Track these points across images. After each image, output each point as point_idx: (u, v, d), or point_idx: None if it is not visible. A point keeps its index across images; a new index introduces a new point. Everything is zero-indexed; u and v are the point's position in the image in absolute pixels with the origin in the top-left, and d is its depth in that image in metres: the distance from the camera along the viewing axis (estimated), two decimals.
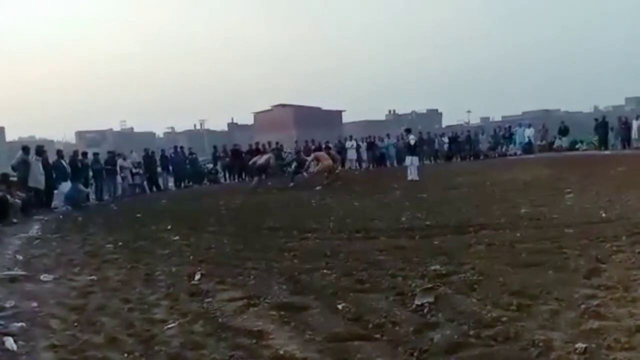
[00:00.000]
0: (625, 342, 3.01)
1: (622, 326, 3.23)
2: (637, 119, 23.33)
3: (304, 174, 17.41)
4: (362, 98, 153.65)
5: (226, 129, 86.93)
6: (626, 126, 23.51)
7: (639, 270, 4.41)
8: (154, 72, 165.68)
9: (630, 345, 2.97)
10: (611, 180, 11.39)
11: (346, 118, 68.79)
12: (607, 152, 22.69)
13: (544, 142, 26.77)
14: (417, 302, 3.99)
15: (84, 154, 18.05)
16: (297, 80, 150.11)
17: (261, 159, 17.92)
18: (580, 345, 2.98)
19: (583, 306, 3.64)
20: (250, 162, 18.77)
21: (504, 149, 26.57)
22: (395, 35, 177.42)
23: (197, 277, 5.38)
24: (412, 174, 15.66)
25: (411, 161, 16.32)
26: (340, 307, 4.05)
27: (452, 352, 3.07)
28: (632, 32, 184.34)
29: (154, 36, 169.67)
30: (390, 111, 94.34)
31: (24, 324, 4.05)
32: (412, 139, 16.94)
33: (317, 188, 15.14)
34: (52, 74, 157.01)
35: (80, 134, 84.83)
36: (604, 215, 7.19)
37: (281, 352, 3.27)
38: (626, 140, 23.34)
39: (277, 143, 22.62)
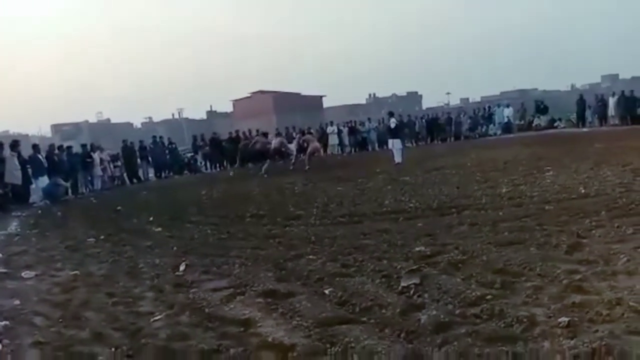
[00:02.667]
0: (606, 314, 3.07)
1: (603, 299, 3.29)
2: (613, 96, 23.70)
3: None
4: (342, 83, 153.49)
5: (205, 117, 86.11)
6: (603, 103, 23.85)
7: (619, 244, 4.50)
8: (129, 62, 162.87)
9: (611, 318, 3.03)
10: (589, 156, 11.56)
11: (327, 103, 68.46)
12: (584, 129, 23.02)
13: (522, 122, 27.04)
14: (403, 283, 4.02)
15: (60, 147, 17.72)
16: (275, 67, 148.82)
17: (275, 142, 18.10)
18: (563, 319, 3.04)
19: (565, 281, 3.71)
20: (251, 146, 19.02)
21: (483, 130, 26.77)
22: (373, 19, 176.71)
23: (182, 268, 5.35)
24: (396, 157, 15.67)
25: (392, 144, 16.33)
26: (326, 292, 4.06)
27: (439, 331, 3.10)
28: (607, 10, 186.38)
29: (127, 25, 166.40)
30: (370, 95, 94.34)
31: (7, 322, 3.98)
32: (392, 122, 16.93)
33: (307, 168, 16.52)
34: (26, 67, 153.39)
35: (55, 127, 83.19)
36: (583, 191, 7.31)
37: (269, 339, 3.27)
38: (603, 118, 23.70)
39: (257, 130, 22.40)
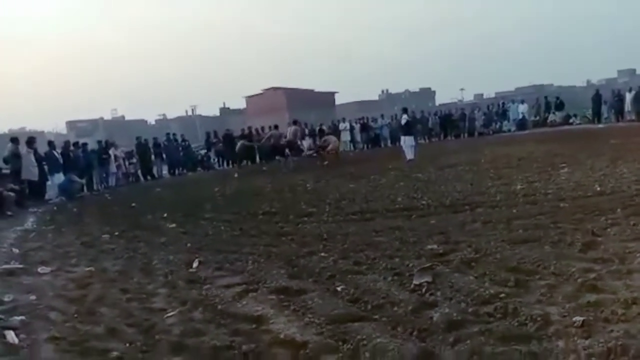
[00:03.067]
0: (622, 314, 3.03)
1: (619, 298, 3.25)
2: (630, 91, 23.30)
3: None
4: (355, 79, 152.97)
5: (218, 114, 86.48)
6: (619, 99, 23.50)
7: (634, 243, 4.44)
8: (143, 59, 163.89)
9: (626, 317, 2.99)
10: (605, 153, 11.40)
11: (339, 99, 68.40)
12: (600, 125, 22.72)
13: (537, 118, 26.75)
14: (415, 281, 4.01)
15: (75, 144, 17.91)
16: (288, 63, 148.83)
17: (289, 133, 18.22)
18: (577, 318, 3.01)
19: (580, 280, 3.66)
20: (264, 139, 19.23)
21: (498, 126, 26.54)
22: (385, 15, 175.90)
23: (195, 264, 5.39)
24: (409, 154, 15.59)
25: (404, 141, 16.27)
26: (338, 289, 4.06)
27: (451, 329, 3.09)
28: (623, 4, 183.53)
29: (142, 23, 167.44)
30: (383, 91, 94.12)
31: (23, 317, 4.04)
32: (403, 119, 16.83)
33: (325, 163, 17.21)
34: (42, 65, 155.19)
35: (71, 124, 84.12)
36: (598, 188, 7.22)
37: (281, 336, 3.28)
38: (619, 113, 23.36)
39: (275, 126, 22.27)
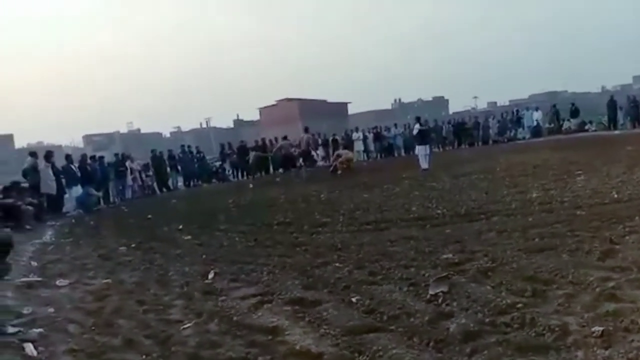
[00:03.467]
0: None
1: (638, 307, 3.20)
2: None
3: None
4: (368, 88, 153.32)
5: (232, 125, 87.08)
6: (635, 105, 23.23)
7: None
8: (158, 72, 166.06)
9: None
10: (622, 160, 11.26)
11: (352, 109, 68.57)
12: (616, 132, 22.46)
13: (552, 125, 26.52)
14: (431, 291, 3.99)
15: (92, 157, 18.15)
16: (301, 74, 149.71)
17: (303, 142, 18.27)
18: (596, 328, 2.97)
19: (598, 289, 3.62)
20: (275, 150, 19.31)
21: (512, 134, 26.37)
22: (398, 24, 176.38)
23: (211, 275, 5.42)
24: (423, 163, 15.53)
25: (418, 150, 16.22)
26: (354, 300, 4.05)
27: (468, 340, 3.06)
28: (638, 9, 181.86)
29: (156, 36, 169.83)
30: (396, 100, 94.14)
31: (42, 329, 4.09)
32: (416, 128, 16.78)
33: (339, 173, 17.45)
34: (58, 78, 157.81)
35: (87, 138, 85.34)
36: (615, 196, 7.13)
37: (297, 347, 3.28)
38: (636, 119, 23.07)
39: (285, 137, 22.39)
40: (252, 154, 22.30)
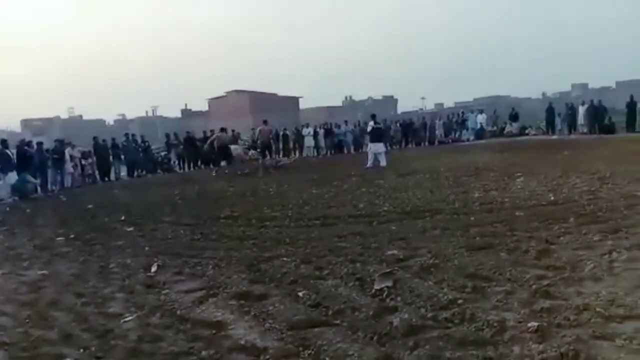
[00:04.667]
0: (574, 319, 3.15)
1: (571, 305, 3.38)
2: (582, 104, 24.29)
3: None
4: (319, 84, 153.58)
5: (179, 115, 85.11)
6: (572, 112, 24.43)
7: (586, 251, 4.62)
8: (102, 56, 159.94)
9: (578, 323, 3.12)
10: (558, 164, 11.82)
11: (303, 104, 68.60)
12: (554, 136, 23.53)
13: (495, 128, 27.49)
14: (376, 286, 4.05)
15: (28, 143, 17.28)
16: (252, 66, 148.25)
17: (262, 135, 17.87)
18: (532, 324, 3.11)
19: (534, 286, 3.79)
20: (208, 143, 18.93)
21: (457, 135, 27.12)
22: (349, 22, 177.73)
23: (154, 268, 5.29)
24: (370, 162, 15.73)
25: (370, 148, 16.41)
26: (300, 294, 4.06)
27: (411, 334, 3.14)
28: (578, 20, 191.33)
29: (101, 21, 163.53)
30: (346, 97, 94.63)
31: None
32: (370, 126, 16.95)
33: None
34: None
35: (25, 122, 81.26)
36: (552, 198, 7.47)
37: (241, 342, 3.26)
38: (572, 126, 24.28)
39: (232, 130, 22.19)
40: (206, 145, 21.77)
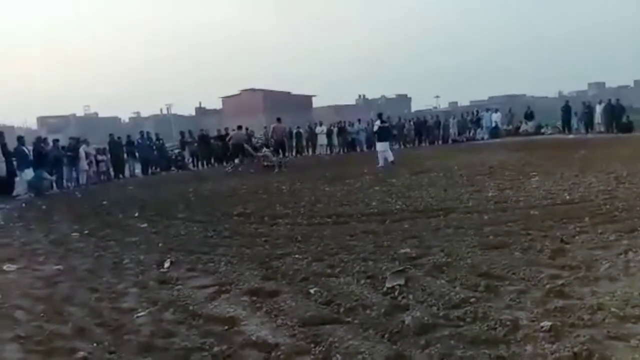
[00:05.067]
0: (588, 319, 3.12)
1: (585, 304, 3.34)
2: (600, 103, 23.99)
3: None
4: (332, 83, 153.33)
5: (194, 113, 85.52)
6: (589, 111, 24.13)
7: (601, 250, 4.57)
8: (118, 55, 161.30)
9: (592, 323, 3.08)
10: (574, 163, 11.69)
11: (316, 103, 68.55)
12: (570, 136, 23.27)
13: (510, 127, 27.26)
14: (388, 285, 4.04)
15: (44, 140, 17.50)
16: (266, 65, 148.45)
17: (275, 133, 17.83)
18: (545, 323, 3.07)
19: (548, 286, 3.75)
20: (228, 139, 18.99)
21: (471, 134, 26.94)
22: (363, 22, 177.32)
23: (167, 264, 5.33)
24: (381, 161, 15.70)
25: (378, 146, 16.42)
26: (311, 291, 4.06)
27: (423, 333, 3.12)
28: (595, 19, 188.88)
29: (118, 20, 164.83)
30: (360, 96, 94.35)
31: None
32: (376, 125, 16.93)
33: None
34: (12, 58, 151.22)
35: (42, 120, 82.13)
36: (567, 197, 7.39)
37: (253, 338, 3.27)
38: (589, 125, 23.98)
39: (247, 128, 22.24)
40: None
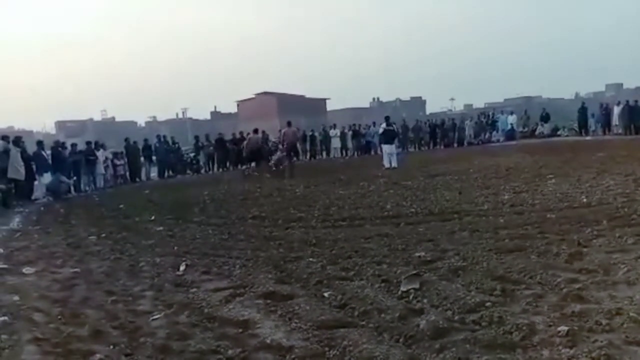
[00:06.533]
0: (606, 324, 3.07)
1: (603, 309, 3.28)
2: (618, 104, 23.65)
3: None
4: (347, 86, 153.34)
5: (209, 117, 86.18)
6: (607, 112, 23.82)
7: (619, 254, 4.49)
8: (135, 60, 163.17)
9: (610, 328, 3.03)
10: (592, 165, 11.53)
11: (330, 106, 68.64)
12: (587, 137, 22.98)
13: (526, 129, 27.03)
14: (403, 288, 4.02)
15: (62, 145, 17.75)
16: (281, 69, 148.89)
17: (286, 137, 17.80)
18: (562, 328, 3.03)
19: (565, 290, 3.70)
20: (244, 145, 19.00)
21: (487, 136, 26.75)
22: (378, 23, 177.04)
23: (182, 267, 5.36)
24: (386, 163, 15.83)
25: (384, 149, 16.54)
26: (326, 295, 4.06)
27: (438, 337, 3.10)
28: (612, 19, 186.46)
29: (134, 24, 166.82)
30: (374, 99, 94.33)
31: (6, 317, 3.97)
32: (381, 127, 17.03)
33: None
34: (31, 64, 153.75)
35: (60, 124, 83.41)
36: (585, 200, 7.29)
37: (267, 341, 3.28)
38: (606, 126, 23.67)
39: (263, 132, 22.30)
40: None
